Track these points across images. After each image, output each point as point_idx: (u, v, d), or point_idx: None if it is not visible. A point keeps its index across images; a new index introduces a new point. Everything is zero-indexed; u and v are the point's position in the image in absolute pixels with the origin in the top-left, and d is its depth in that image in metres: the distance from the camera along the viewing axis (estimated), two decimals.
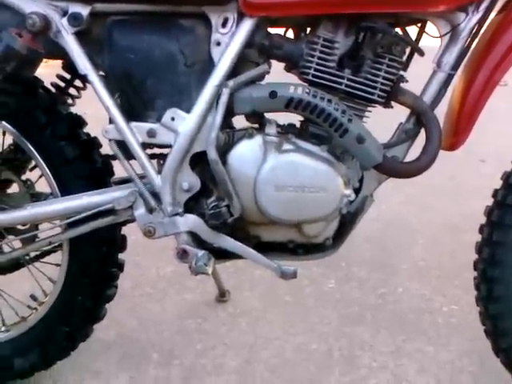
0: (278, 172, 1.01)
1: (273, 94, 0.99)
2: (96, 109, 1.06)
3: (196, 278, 1.64)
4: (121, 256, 1.23)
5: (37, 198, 1.18)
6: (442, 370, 1.35)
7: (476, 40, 1.06)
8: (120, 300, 1.32)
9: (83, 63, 1.00)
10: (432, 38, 1.06)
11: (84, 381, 1.31)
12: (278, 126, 1.05)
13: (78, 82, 1.17)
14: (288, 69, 1.08)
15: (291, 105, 0.99)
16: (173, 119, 1.02)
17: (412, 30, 1.08)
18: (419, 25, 1.08)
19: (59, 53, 1.01)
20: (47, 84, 1.15)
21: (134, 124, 1.03)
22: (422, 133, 1.08)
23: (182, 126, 1.02)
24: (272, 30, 1.06)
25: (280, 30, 1.09)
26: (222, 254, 1.09)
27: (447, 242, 1.94)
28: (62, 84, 1.16)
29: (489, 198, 1.15)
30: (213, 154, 0.99)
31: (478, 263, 1.16)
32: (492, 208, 1.13)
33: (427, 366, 1.36)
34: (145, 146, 1.05)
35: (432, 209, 2.19)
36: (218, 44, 1.00)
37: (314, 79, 1.02)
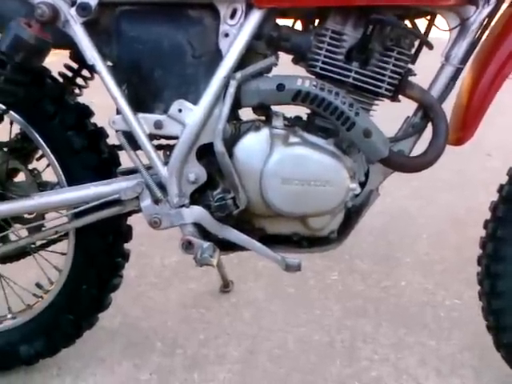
0: (284, 165, 1.01)
1: (280, 87, 0.99)
2: (103, 98, 1.06)
3: (200, 269, 1.62)
4: (126, 246, 1.24)
5: (43, 187, 1.19)
6: (443, 364, 1.36)
7: (486, 33, 1.05)
8: (125, 289, 1.33)
9: (91, 53, 1.00)
10: (441, 31, 1.06)
11: (88, 368, 1.33)
12: (285, 118, 1.05)
13: (85, 72, 1.17)
14: (296, 61, 1.08)
15: (298, 98, 0.99)
16: (180, 111, 1.02)
17: (421, 23, 1.08)
18: (428, 17, 1.07)
19: (67, 43, 1.01)
20: (55, 73, 1.15)
21: (141, 115, 1.03)
22: (429, 127, 1.07)
23: (189, 117, 1.02)
24: (280, 22, 1.06)
25: (288, 22, 1.09)
26: (226, 246, 1.09)
27: (451, 236, 1.94)
28: (70, 74, 1.16)
29: (494, 192, 1.15)
30: (219, 147, 0.99)
31: (482, 258, 1.16)
32: (497, 203, 1.13)
33: (428, 359, 1.37)
34: (151, 136, 1.06)
35: (437, 202, 2.19)
36: (227, 35, 1.00)
37: (322, 72, 1.02)
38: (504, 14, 1.06)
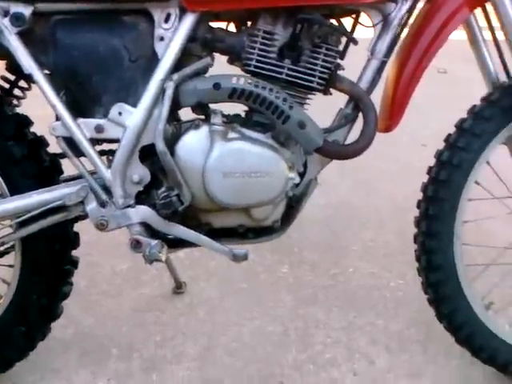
0: (224, 159, 1.05)
1: (216, 86, 1.03)
2: (41, 109, 1.06)
3: (152, 273, 1.67)
4: (74, 254, 1.23)
5: None
6: (392, 341, 1.44)
7: (406, 28, 1.13)
8: (76, 299, 1.33)
9: (28, 62, 1.00)
10: (365, 27, 1.13)
11: (44, 380, 1.31)
12: (224, 116, 1.09)
13: (22, 83, 1.16)
14: (231, 61, 1.12)
15: (234, 95, 1.03)
16: (120, 114, 1.04)
17: (347, 22, 1.15)
18: (354, 16, 1.14)
19: (3, 53, 1.01)
20: None
21: (81, 120, 1.04)
22: (360, 117, 1.14)
23: (129, 120, 1.04)
24: (214, 25, 1.10)
25: (222, 24, 1.13)
26: (175, 243, 1.12)
27: (393, 221, 2.04)
28: (7, 85, 1.15)
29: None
30: (161, 146, 1.02)
31: (418, 236, 1.24)
32: (427, 184, 1.21)
33: (378, 338, 1.44)
34: (93, 142, 1.07)
35: (378, 192, 2.29)
36: (162, 39, 1.03)
37: (256, 70, 1.07)
38: (421, 10, 1.14)
